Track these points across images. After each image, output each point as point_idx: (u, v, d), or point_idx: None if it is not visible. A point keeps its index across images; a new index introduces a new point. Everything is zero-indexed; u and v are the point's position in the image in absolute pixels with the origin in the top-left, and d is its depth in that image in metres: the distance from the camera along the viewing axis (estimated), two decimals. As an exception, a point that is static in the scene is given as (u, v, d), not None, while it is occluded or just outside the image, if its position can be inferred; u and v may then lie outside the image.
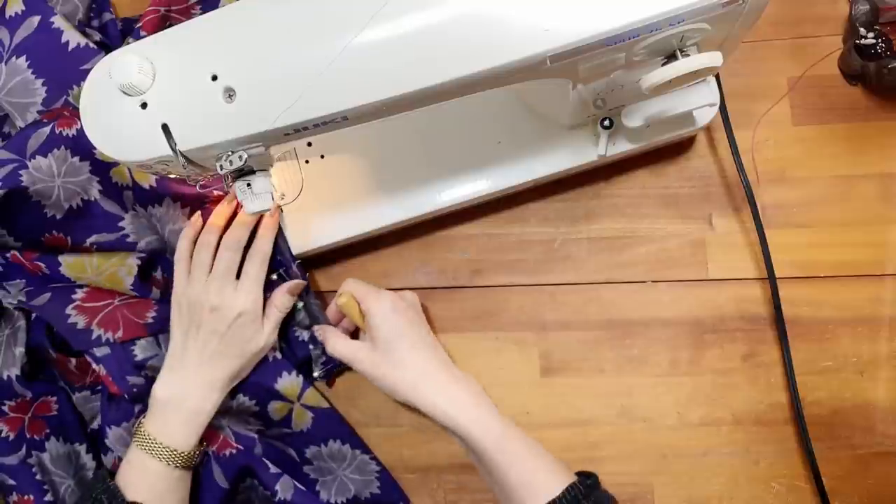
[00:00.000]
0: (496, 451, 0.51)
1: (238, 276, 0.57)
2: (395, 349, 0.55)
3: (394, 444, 0.61)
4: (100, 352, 0.57)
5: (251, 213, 0.50)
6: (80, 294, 0.58)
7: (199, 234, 0.58)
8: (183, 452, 0.54)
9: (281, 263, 0.59)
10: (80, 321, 0.57)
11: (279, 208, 0.59)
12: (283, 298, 0.59)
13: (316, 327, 0.60)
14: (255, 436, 0.61)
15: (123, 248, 0.59)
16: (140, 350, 0.59)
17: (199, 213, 0.60)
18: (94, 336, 0.57)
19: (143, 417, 0.56)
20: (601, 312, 0.61)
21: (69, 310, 0.57)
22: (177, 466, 0.54)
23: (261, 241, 0.58)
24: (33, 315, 0.59)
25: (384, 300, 0.56)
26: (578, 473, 0.51)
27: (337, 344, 0.57)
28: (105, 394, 0.59)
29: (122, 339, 0.58)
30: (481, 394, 0.55)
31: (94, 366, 0.57)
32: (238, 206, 0.58)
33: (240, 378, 0.59)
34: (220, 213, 0.58)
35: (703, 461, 0.58)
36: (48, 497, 0.58)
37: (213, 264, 0.57)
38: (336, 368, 0.61)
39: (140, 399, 0.59)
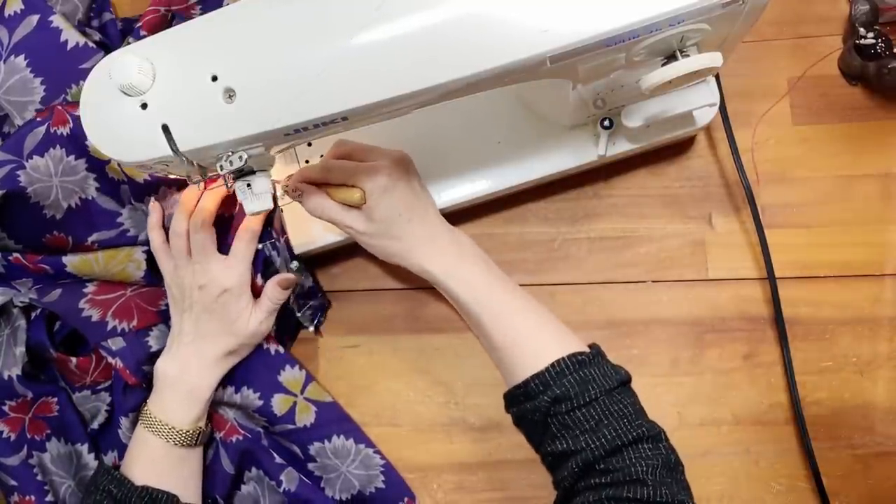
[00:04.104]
0: (487, 313, 0.52)
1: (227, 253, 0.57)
2: (391, 224, 0.53)
3: (394, 444, 0.61)
4: (115, 345, 0.57)
5: (251, 213, 0.50)
6: (90, 288, 0.58)
7: (163, 217, 0.59)
8: (182, 430, 0.55)
9: (270, 235, 0.59)
10: (94, 314, 0.57)
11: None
12: (274, 291, 0.58)
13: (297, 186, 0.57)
14: (261, 430, 0.61)
15: (124, 244, 0.59)
16: (154, 340, 0.59)
17: (153, 198, 0.59)
18: (109, 327, 0.57)
19: (149, 399, 0.57)
20: (601, 312, 0.61)
21: (82, 304, 0.57)
22: (177, 444, 0.55)
23: (250, 220, 0.57)
24: (33, 314, 0.59)
25: (379, 177, 0.52)
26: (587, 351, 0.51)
27: (325, 206, 0.53)
28: (119, 387, 0.60)
29: (137, 328, 0.58)
30: (476, 255, 0.55)
31: (109, 359, 0.58)
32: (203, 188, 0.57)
33: (238, 357, 0.59)
34: (187, 197, 0.58)
35: (703, 461, 0.58)
36: (49, 498, 0.58)
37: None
38: (321, 314, 0.63)
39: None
